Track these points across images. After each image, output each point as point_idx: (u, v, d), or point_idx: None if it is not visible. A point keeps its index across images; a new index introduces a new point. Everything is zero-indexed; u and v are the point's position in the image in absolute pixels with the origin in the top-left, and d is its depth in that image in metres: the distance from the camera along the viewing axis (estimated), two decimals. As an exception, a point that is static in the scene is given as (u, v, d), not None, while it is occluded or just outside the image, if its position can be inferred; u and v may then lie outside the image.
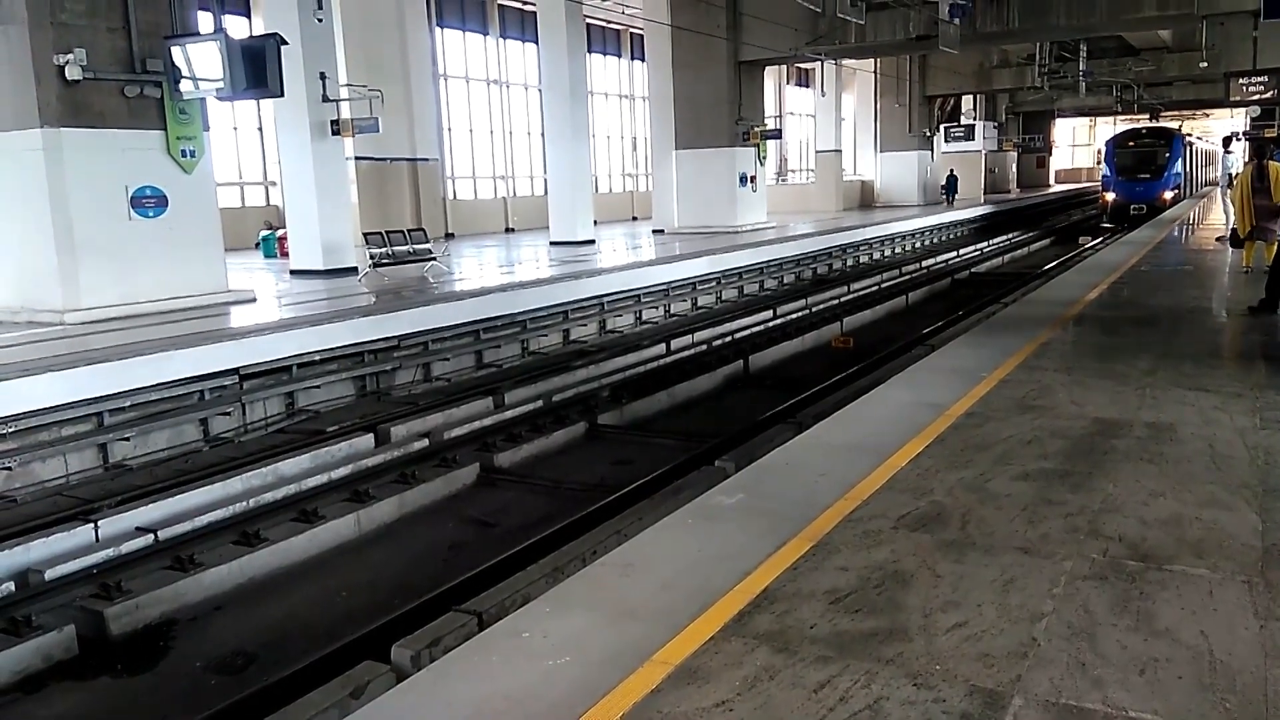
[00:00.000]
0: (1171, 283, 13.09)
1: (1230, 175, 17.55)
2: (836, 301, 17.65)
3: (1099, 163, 43.48)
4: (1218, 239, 17.07)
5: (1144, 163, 30.80)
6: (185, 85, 11.36)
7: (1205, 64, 26.11)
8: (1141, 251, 16.45)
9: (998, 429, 5.92)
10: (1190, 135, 41.56)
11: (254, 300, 12.55)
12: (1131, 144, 31.98)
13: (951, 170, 38.63)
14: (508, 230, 28.56)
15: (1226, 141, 23.81)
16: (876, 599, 3.67)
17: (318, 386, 10.60)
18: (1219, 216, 20.87)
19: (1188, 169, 35.86)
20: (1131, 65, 33.80)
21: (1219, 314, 10.70)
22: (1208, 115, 54.69)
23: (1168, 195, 30.47)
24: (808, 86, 40.47)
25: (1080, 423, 6.01)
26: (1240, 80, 25.63)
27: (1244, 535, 4.18)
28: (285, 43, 12.21)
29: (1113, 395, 6.66)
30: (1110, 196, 31.25)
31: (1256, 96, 26.00)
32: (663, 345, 13.65)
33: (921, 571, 3.91)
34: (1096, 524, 4.35)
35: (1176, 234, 20.99)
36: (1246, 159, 14.68)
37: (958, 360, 8.07)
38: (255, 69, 11.45)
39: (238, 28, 21.31)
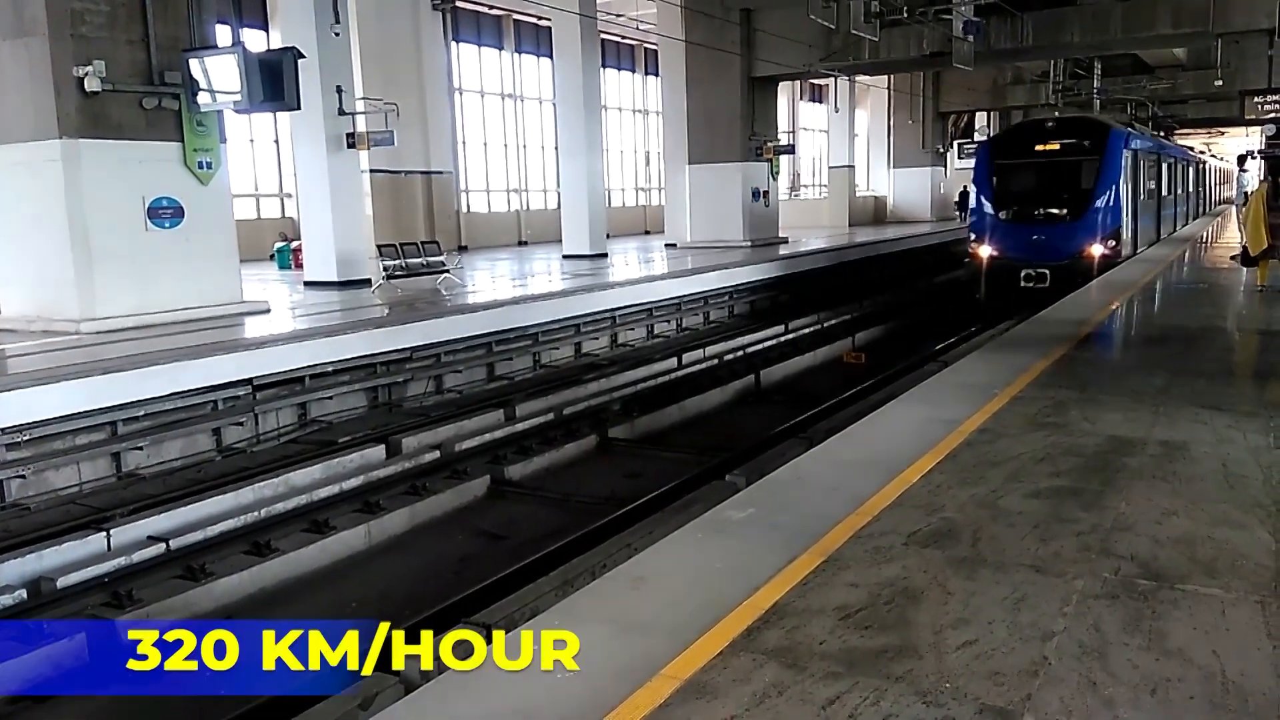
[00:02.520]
0: (1185, 301, 13.03)
1: (1246, 194, 17.49)
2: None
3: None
4: (1232, 257, 17.00)
5: (1051, 186, 16.66)
6: (203, 98, 11.45)
7: (1220, 82, 26.03)
8: (1155, 270, 16.40)
9: (1010, 446, 5.89)
10: (1161, 135, 28.79)
11: (268, 311, 12.61)
12: (1028, 150, 17.20)
13: (965, 186, 38.54)
14: (521, 243, 28.63)
15: (1241, 160, 23.77)
16: (887, 615, 3.66)
17: (330, 398, 10.64)
18: (1234, 235, 20.78)
19: (1169, 189, 23.58)
20: (1146, 83, 33.45)
21: (1233, 332, 10.64)
22: (1223, 134, 54.52)
23: (1096, 249, 15.99)
24: (821, 102, 40.50)
25: (1093, 440, 5.98)
26: (1255, 98, 25.54)
27: (1257, 555, 4.15)
28: (302, 56, 12.32)
29: (1126, 413, 6.62)
30: (986, 252, 16.58)
31: (1272, 115, 25.87)
32: (674, 359, 13.66)
33: (932, 588, 3.89)
34: (1108, 542, 4.32)
35: (1191, 253, 20.91)
36: (1262, 177, 14.67)
37: (970, 376, 8.05)
38: (272, 82, 11.54)
39: (255, 41, 21.46)
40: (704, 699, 3.10)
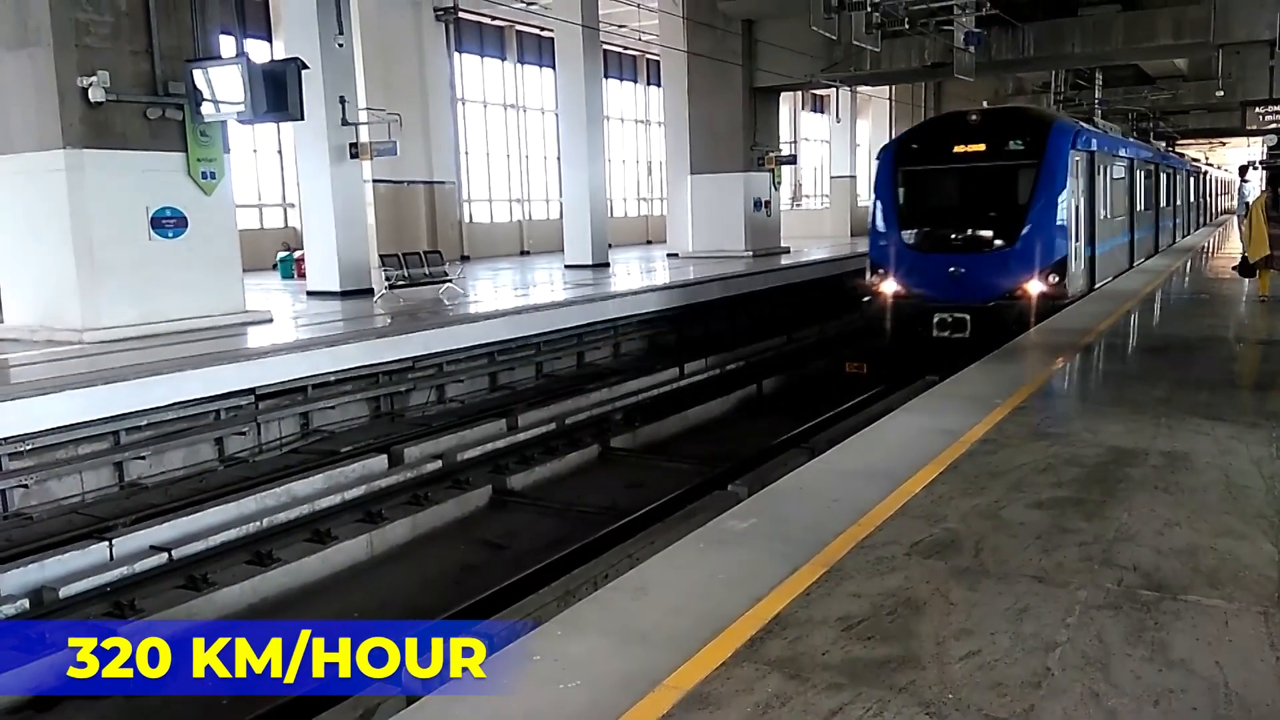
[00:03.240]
0: (1187, 311, 13.04)
1: (1247, 204, 17.49)
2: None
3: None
4: (1233, 269, 17.01)
5: (974, 201, 12.89)
6: (206, 108, 11.49)
7: (1221, 93, 26.08)
8: (1157, 280, 16.40)
9: (1012, 456, 5.89)
10: (1124, 133, 23.20)
11: (271, 321, 12.63)
12: (944, 153, 13.06)
13: None
14: (523, 253, 28.68)
15: (1243, 170, 23.75)
16: (889, 626, 3.65)
17: (332, 407, 10.66)
18: (1237, 245, 20.78)
19: (1148, 202, 19.80)
20: (1147, 94, 33.52)
21: (1235, 343, 10.64)
22: (1224, 144, 54.61)
23: (1033, 286, 12.08)
24: (823, 112, 40.59)
25: (1095, 451, 5.97)
26: (1257, 109, 25.57)
27: (1260, 566, 4.15)
28: (306, 67, 12.36)
29: (1128, 423, 6.62)
30: (890, 289, 12.76)
31: (1273, 125, 25.90)
32: (676, 369, 13.66)
33: (935, 599, 3.89)
34: (1111, 553, 4.32)
35: (1192, 263, 20.92)
36: (1263, 187, 14.66)
37: (972, 387, 8.05)
38: (276, 93, 11.57)
39: (259, 52, 21.54)
40: (707, 710, 3.10)
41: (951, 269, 12.18)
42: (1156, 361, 9.17)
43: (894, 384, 12.06)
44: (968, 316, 11.87)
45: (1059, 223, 12.22)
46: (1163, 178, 22.69)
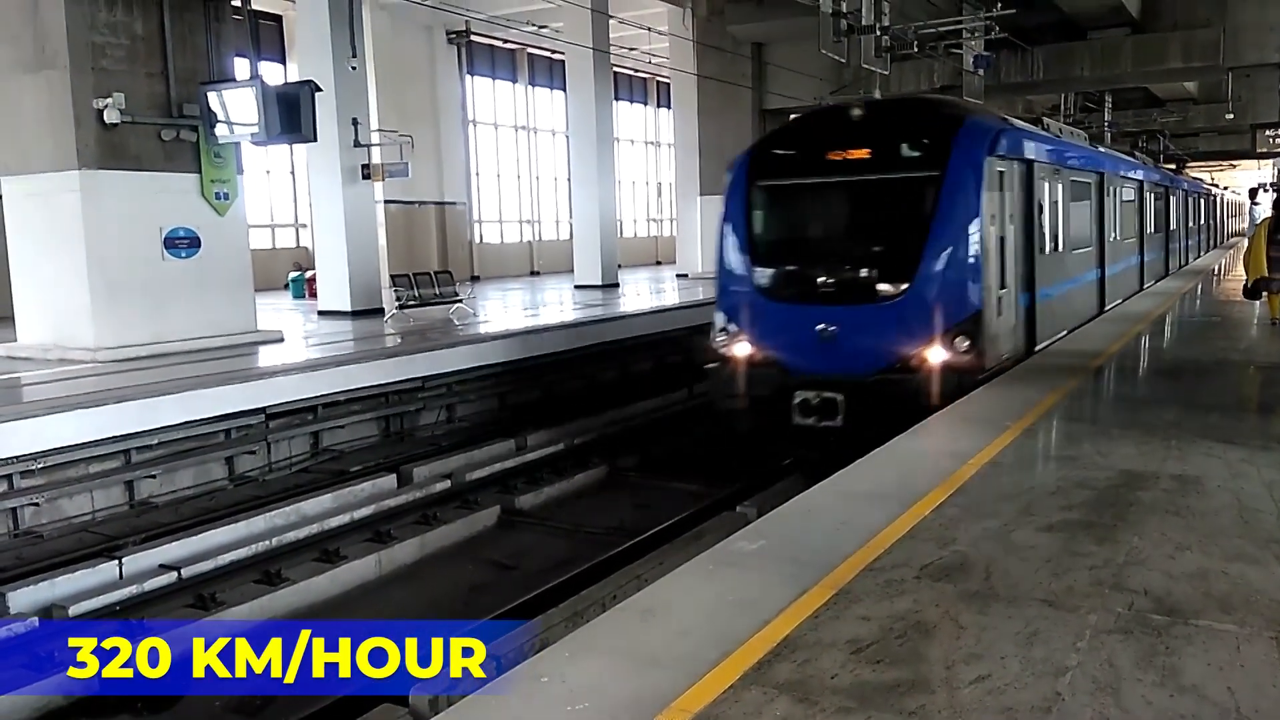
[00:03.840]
0: (1198, 334, 12.99)
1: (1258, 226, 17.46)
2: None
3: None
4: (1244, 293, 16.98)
5: (850, 232, 9.63)
6: (221, 130, 11.60)
7: (1231, 115, 26.12)
8: (1168, 303, 16.35)
9: (1022, 479, 5.87)
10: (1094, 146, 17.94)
11: (282, 340, 12.68)
12: (814, 162, 9.50)
13: None
14: (533, 273, 28.79)
15: (1253, 193, 23.68)
16: (898, 650, 3.64)
17: (342, 426, 10.68)
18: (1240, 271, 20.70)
19: (1122, 228, 15.73)
20: (1157, 116, 33.55)
21: (1246, 366, 10.60)
22: (1234, 166, 54.61)
23: (934, 354, 8.47)
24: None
25: (1105, 474, 5.95)
26: (1267, 132, 25.61)
27: (1272, 590, 4.12)
28: (319, 89, 12.48)
29: (1138, 446, 6.59)
30: (743, 351, 9.08)
31: (1283, 148, 25.94)
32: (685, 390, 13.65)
33: (944, 622, 3.87)
34: (1122, 577, 4.30)
35: (1203, 286, 20.86)
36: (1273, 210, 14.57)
37: (981, 409, 8.02)
38: (289, 114, 11.69)
39: (273, 74, 21.74)
40: (714, 732, 3.08)
41: (819, 327, 8.61)
42: (1167, 384, 9.13)
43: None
44: (839, 397, 8.41)
45: (971, 260, 8.60)
46: (1151, 197, 19.04)
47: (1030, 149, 10.24)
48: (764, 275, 9.23)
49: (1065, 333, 11.59)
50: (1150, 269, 19.00)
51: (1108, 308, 14.14)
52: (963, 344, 8.45)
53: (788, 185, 9.54)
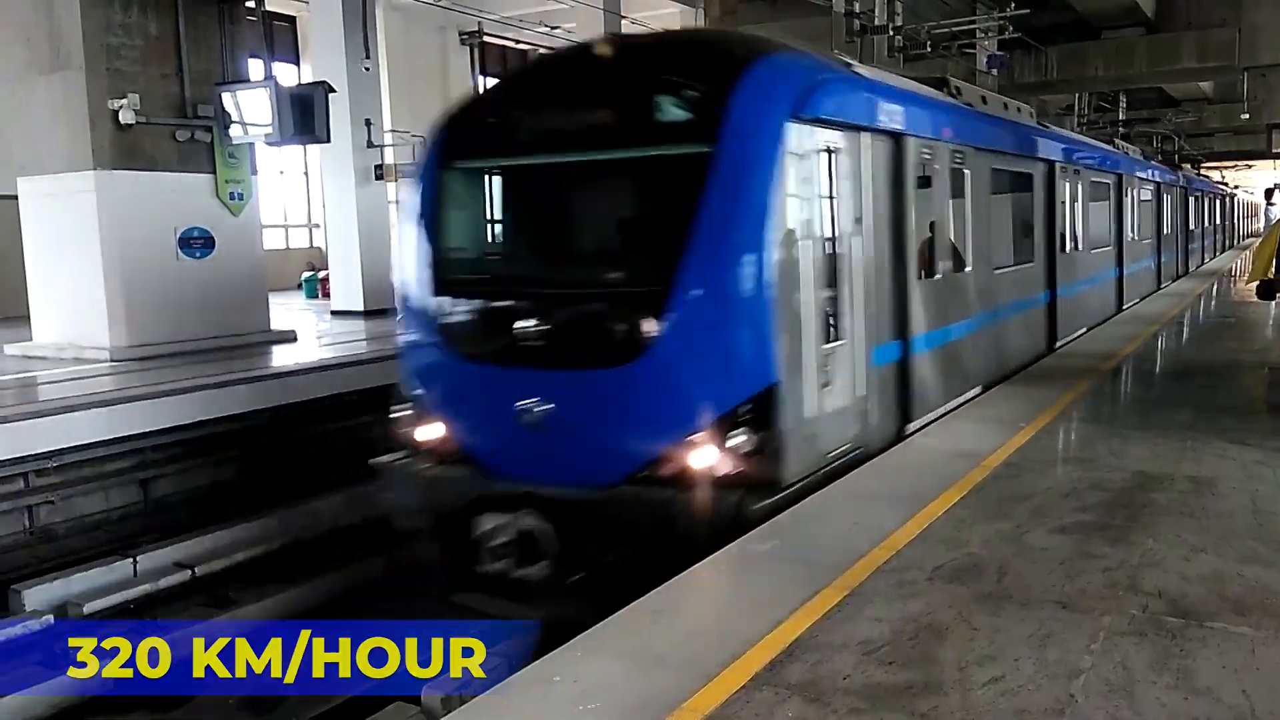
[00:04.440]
0: (1212, 335, 12.92)
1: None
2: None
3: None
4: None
5: (588, 243, 6.35)
6: (235, 130, 11.64)
7: (1247, 115, 25.98)
8: (1181, 304, 16.26)
9: (1035, 480, 5.85)
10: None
11: (295, 340, 12.72)
12: (534, 134, 5.96)
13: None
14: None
15: (1269, 194, 23.51)
16: (911, 651, 3.63)
17: (354, 425, 10.67)
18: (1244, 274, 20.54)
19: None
20: (1172, 116, 33.33)
21: (1260, 367, 10.54)
22: (1250, 167, 54.30)
23: (699, 453, 5.10)
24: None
25: (1119, 475, 5.93)
26: (1282, 132, 25.46)
27: (1288, 593, 4.10)
28: (333, 90, 12.50)
29: (1152, 448, 6.57)
30: (430, 435, 5.87)
31: (1299, 148, 25.77)
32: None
33: (957, 624, 3.86)
34: (1136, 579, 4.28)
35: (1217, 287, 20.73)
36: None
37: (995, 410, 8.00)
38: (303, 116, 11.72)
39: (287, 75, 21.81)
40: (726, 733, 3.08)
41: (519, 405, 5.46)
42: (1181, 385, 9.09)
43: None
44: (550, 526, 5.39)
45: (759, 295, 5.32)
46: (1138, 195, 15.81)
47: (879, 112, 6.55)
48: (450, 314, 5.98)
49: (957, 398, 7.86)
50: (1131, 287, 15.26)
51: (1055, 347, 10.85)
52: (741, 439, 5.20)
53: (484, 169, 6.42)
